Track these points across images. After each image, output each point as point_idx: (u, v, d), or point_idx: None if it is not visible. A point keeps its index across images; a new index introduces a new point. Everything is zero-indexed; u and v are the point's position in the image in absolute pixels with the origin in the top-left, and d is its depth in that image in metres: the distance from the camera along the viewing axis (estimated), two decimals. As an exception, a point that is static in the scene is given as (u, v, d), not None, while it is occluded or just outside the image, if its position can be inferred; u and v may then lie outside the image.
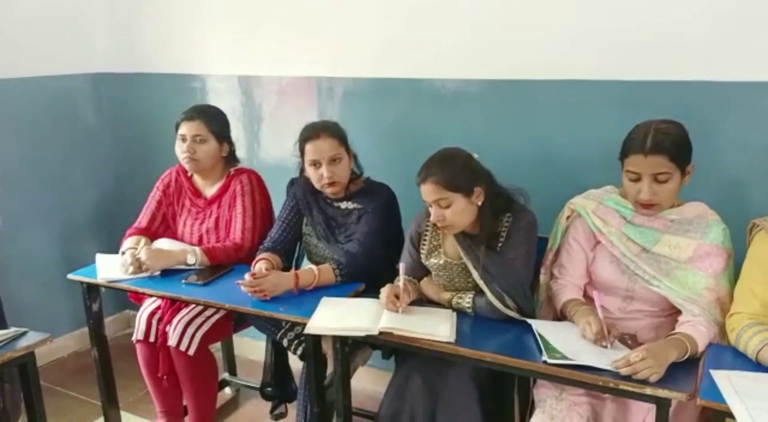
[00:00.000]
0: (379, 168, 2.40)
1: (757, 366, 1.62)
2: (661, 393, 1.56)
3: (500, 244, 1.97)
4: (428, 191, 1.92)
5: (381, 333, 1.85)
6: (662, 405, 1.58)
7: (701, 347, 1.71)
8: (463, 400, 1.91)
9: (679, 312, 1.83)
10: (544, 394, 1.86)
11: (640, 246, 1.88)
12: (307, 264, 2.34)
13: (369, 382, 2.71)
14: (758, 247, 1.73)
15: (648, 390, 1.57)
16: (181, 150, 2.43)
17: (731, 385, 1.53)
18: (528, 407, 2.04)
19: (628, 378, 1.59)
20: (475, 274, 1.95)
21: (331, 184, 2.22)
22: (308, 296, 2.08)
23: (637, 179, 1.81)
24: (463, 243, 1.99)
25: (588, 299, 1.92)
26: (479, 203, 1.94)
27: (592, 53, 2.23)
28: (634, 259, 1.87)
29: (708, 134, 2.09)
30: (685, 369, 1.65)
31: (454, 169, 1.91)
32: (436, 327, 1.85)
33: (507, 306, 1.91)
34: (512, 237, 1.96)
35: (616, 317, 1.92)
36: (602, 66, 2.23)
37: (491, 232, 1.97)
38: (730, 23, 2.03)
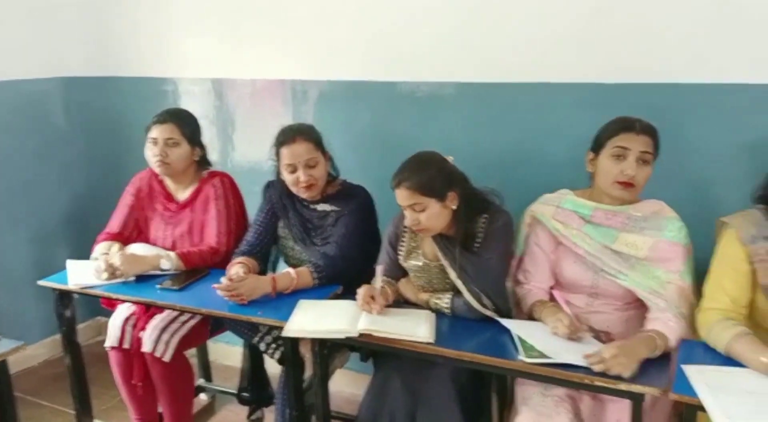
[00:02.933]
0: (355, 170, 2.41)
1: (727, 360, 1.66)
2: (635, 388, 1.59)
3: (477, 245, 1.99)
4: (402, 196, 1.94)
5: (361, 334, 1.85)
6: (636, 400, 1.61)
7: (673, 342, 1.76)
8: (443, 400, 1.92)
9: (644, 302, 1.88)
10: (528, 392, 1.88)
11: (602, 245, 1.92)
12: (284, 268, 2.33)
13: (347, 385, 2.71)
14: (726, 245, 1.77)
15: (622, 386, 1.60)
16: (152, 153, 2.40)
17: (703, 379, 1.56)
18: (506, 405, 2.06)
19: (603, 374, 1.62)
20: (453, 275, 1.97)
21: (308, 188, 2.22)
22: (285, 299, 2.07)
23: (623, 157, 1.85)
24: (441, 245, 2.00)
25: (555, 301, 1.95)
26: (453, 207, 1.96)
27: (565, 56, 2.27)
28: (599, 256, 1.91)
29: (674, 134, 2.13)
30: (657, 364, 1.69)
31: (428, 174, 1.92)
32: (415, 328, 1.86)
33: (484, 306, 1.93)
34: (489, 237, 1.99)
35: (585, 312, 1.97)
36: (575, 69, 2.27)
37: (468, 233, 1.99)
38: (696, 27, 2.09)
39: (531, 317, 1.98)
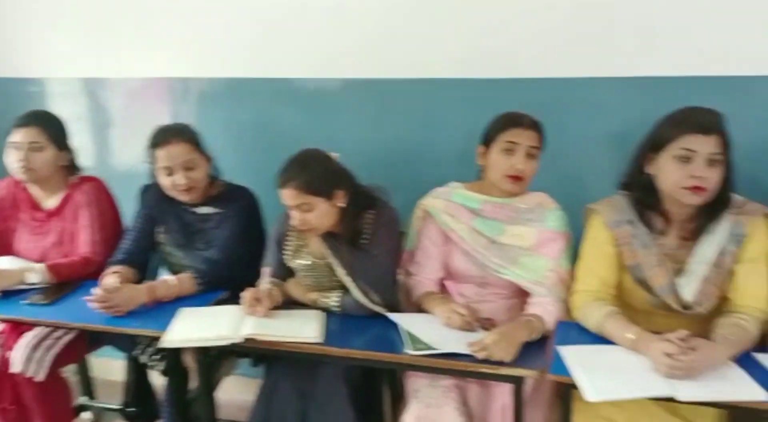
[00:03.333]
0: (238, 170, 2.34)
1: (599, 339, 1.75)
2: (515, 372, 1.64)
3: (364, 241, 1.99)
4: (289, 196, 1.90)
5: (245, 340, 1.80)
6: (517, 383, 1.67)
7: (550, 325, 1.83)
8: (335, 400, 1.91)
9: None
10: (417, 384, 1.89)
11: (488, 239, 1.98)
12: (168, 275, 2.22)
13: (240, 392, 2.61)
14: (594, 230, 1.86)
15: (503, 371, 1.65)
16: (14, 159, 2.22)
17: (576, 359, 1.64)
18: (399, 399, 2.08)
19: (486, 360, 1.66)
20: (341, 272, 1.96)
21: (187, 191, 2.13)
22: (166, 308, 1.98)
23: (511, 151, 1.91)
24: (328, 243, 1.99)
25: (445, 291, 1.98)
26: (341, 205, 1.95)
27: (447, 52, 2.32)
28: (483, 252, 1.97)
29: (551, 127, 2.23)
30: (536, 347, 1.76)
31: (315, 173, 1.90)
32: (302, 329, 1.83)
33: (373, 302, 1.93)
34: (376, 233, 1.99)
35: (474, 301, 2.02)
36: (458, 64, 2.32)
37: (355, 230, 1.99)
38: (566, 23, 2.19)
39: (419, 308, 2.00)
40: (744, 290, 1.71)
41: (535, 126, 1.94)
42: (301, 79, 2.49)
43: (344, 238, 1.97)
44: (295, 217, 1.92)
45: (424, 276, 2.05)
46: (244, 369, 2.35)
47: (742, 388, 1.50)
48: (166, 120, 2.47)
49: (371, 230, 1.98)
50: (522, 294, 2.00)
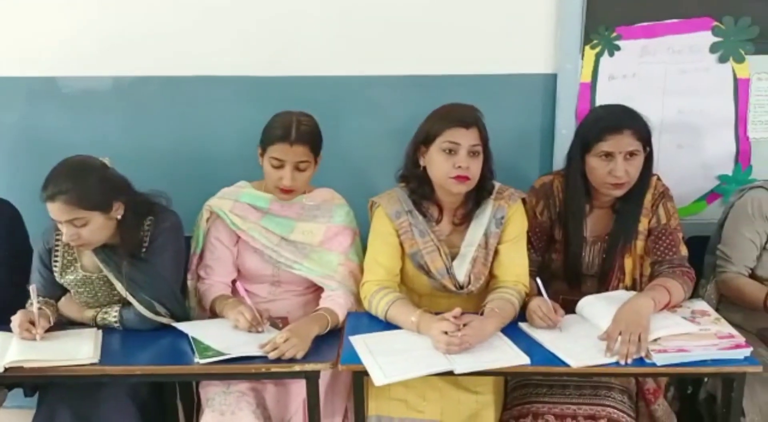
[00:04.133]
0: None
1: (387, 325, 1.83)
2: (308, 367, 1.66)
3: (144, 250, 1.87)
4: (59, 211, 1.71)
5: (6, 369, 1.60)
6: (311, 377, 1.68)
7: (341, 317, 1.88)
8: (121, 421, 1.79)
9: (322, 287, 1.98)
10: (211, 392, 1.83)
11: (279, 236, 1.97)
12: None
13: (14, 427, 2.35)
14: (377, 222, 1.95)
15: (296, 367, 1.66)
16: None
17: (366, 346, 1.70)
18: (195, 409, 2.00)
19: (279, 360, 1.65)
20: (119, 286, 1.83)
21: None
22: None
23: (281, 166, 1.89)
24: (101, 255, 1.83)
25: (237, 293, 1.95)
26: (119, 216, 1.81)
27: (224, 50, 2.26)
28: (275, 249, 1.96)
29: (335, 125, 2.29)
30: (329, 340, 1.79)
31: (88, 185, 1.73)
32: (75, 350, 1.68)
33: (158, 314, 1.82)
34: (156, 241, 1.88)
35: (268, 301, 2.01)
36: (234, 62, 2.27)
37: (133, 240, 1.86)
38: (344, 23, 2.25)
39: (213, 312, 1.94)
40: (507, 267, 1.90)
41: (302, 140, 1.87)
42: (64, 78, 2.28)
43: (122, 250, 1.83)
44: (67, 233, 1.74)
45: (215, 279, 1.99)
46: (17, 400, 2.09)
47: (509, 356, 1.66)
48: None
49: (151, 237, 1.87)
50: (317, 290, 2.03)
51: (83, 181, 1.73)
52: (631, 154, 1.85)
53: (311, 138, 1.91)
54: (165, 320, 1.84)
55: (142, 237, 1.88)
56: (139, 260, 1.85)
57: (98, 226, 1.76)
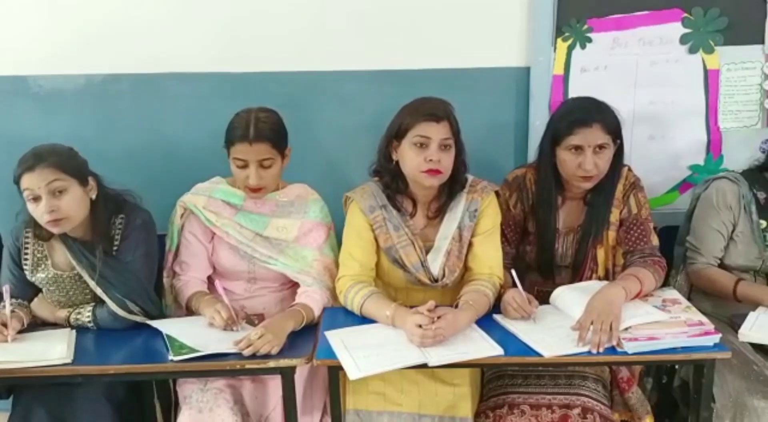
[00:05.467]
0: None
1: (363, 320, 1.84)
2: (282, 363, 1.66)
3: (116, 248, 1.86)
4: (39, 176, 1.72)
5: (-24, 372, 1.59)
6: (286, 373, 1.68)
7: (317, 313, 1.88)
8: (97, 421, 1.78)
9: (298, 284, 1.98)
10: (188, 390, 1.83)
11: (254, 232, 1.97)
12: None
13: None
14: (351, 217, 1.95)
15: (271, 363, 1.66)
16: None
17: (341, 341, 1.71)
18: (172, 408, 1.99)
19: (253, 356, 1.65)
20: (92, 283, 1.82)
21: None
22: None
23: (245, 166, 1.88)
24: (74, 250, 1.83)
25: (214, 289, 1.94)
26: (93, 196, 1.82)
27: (196, 47, 2.25)
28: (250, 244, 1.96)
29: (309, 120, 2.29)
30: (304, 335, 1.80)
31: (66, 155, 1.79)
32: (48, 351, 1.67)
33: (131, 312, 1.82)
34: (128, 238, 1.87)
35: (244, 297, 2.00)
36: (206, 59, 2.26)
37: (105, 236, 1.85)
38: (317, 18, 2.24)
39: (189, 309, 1.94)
40: (481, 260, 1.92)
41: (261, 137, 1.85)
42: (34, 77, 2.26)
43: (94, 245, 1.82)
44: (46, 206, 1.72)
45: (191, 275, 1.99)
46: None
47: (482, 347, 1.68)
48: None
49: (122, 235, 1.87)
50: (293, 286, 2.03)
51: (60, 151, 1.79)
52: (601, 147, 1.86)
53: (272, 134, 1.89)
54: (138, 318, 1.83)
55: (114, 234, 1.87)
56: (112, 257, 1.84)
57: (76, 198, 1.77)
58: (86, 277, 1.81)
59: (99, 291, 1.80)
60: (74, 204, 1.77)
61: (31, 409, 1.77)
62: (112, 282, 1.80)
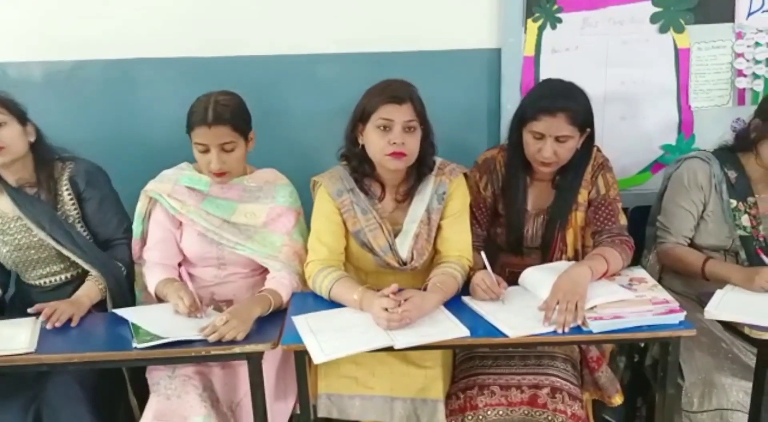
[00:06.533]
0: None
1: (332, 304, 1.83)
2: (248, 348, 1.66)
3: (76, 209, 1.97)
4: None
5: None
6: (252, 359, 1.68)
7: (285, 298, 1.87)
8: (71, 409, 1.78)
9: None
10: (156, 377, 1.83)
11: (221, 219, 1.96)
12: None
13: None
14: (319, 201, 1.94)
15: (236, 349, 1.65)
16: None
17: (308, 326, 1.70)
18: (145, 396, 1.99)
19: (218, 342, 1.65)
20: (42, 233, 1.90)
21: None
22: None
23: (206, 151, 1.87)
24: (19, 198, 1.92)
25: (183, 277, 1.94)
26: (32, 140, 1.94)
27: (164, 31, 2.23)
28: (217, 231, 1.95)
29: (279, 104, 2.28)
30: (272, 321, 1.79)
31: (8, 96, 1.90)
32: (12, 340, 1.67)
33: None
34: (82, 194, 1.97)
35: (214, 284, 2.00)
36: (176, 43, 2.24)
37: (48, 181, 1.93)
38: (288, 2, 2.23)
39: (158, 296, 1.93)
40: (450, 242, 1.91)
41: (220, 120, 1.83)
42: (1, 64, 2.24)
43: (39, 194, 1.93)
44: None
45: (159, 262, 1.98)
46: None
47: (449, 328, 1.68)
48: None
49: (76, 190, 1.98)
50: (263, 273, 2.02)
51: (6, 94, 1.91)
52: (562, 137, 1.85)
53: (232, 117, 1.86)
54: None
55: (58, 179, 1.96)
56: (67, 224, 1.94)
57: (15, 133, 1.87)
58: (35, 228, 1.91)
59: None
60: (13, 139, 1.86)
61: (3, 397, 1.77)
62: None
